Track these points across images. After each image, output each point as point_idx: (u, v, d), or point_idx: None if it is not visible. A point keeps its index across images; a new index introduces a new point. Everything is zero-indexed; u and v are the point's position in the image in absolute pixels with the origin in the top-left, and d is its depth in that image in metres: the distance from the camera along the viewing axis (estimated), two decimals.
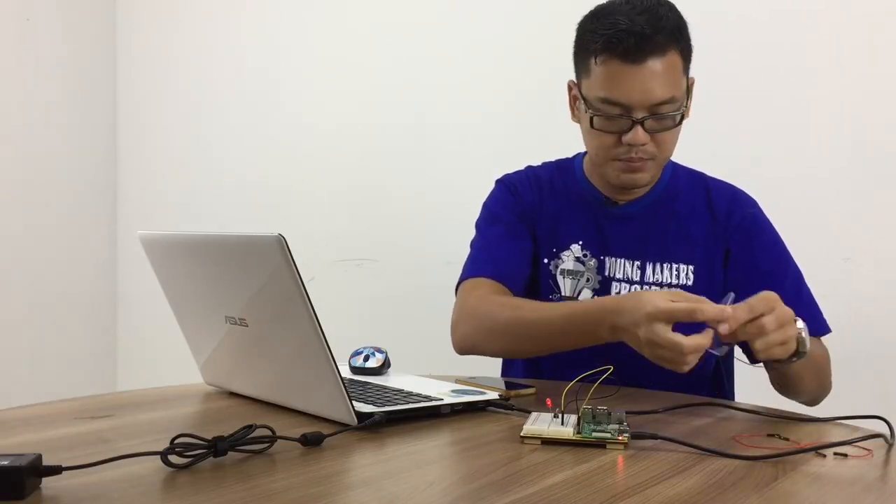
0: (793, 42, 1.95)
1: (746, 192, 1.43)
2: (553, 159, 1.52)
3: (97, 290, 3.13)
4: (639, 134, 1.25)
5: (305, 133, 2.72)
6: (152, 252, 1.16)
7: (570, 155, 1.51)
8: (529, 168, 1.51)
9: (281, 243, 0.90)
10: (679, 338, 1.02)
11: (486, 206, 1.50)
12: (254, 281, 0.99)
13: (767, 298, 1.05)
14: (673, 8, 1.28)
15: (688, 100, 1.32)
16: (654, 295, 1.07)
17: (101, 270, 3.14)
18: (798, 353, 1.09)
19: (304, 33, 2.73)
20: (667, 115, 1.26)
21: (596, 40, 1.24)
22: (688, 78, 1.31)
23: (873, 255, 1.87)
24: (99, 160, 3.12)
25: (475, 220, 1.50)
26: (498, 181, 1.51)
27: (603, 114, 1.27)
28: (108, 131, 3.15)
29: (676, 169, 1.44)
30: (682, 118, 1.29)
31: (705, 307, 1.03)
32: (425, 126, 2.49)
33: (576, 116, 1.37)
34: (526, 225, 1.44)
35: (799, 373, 1.19)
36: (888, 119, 1.86)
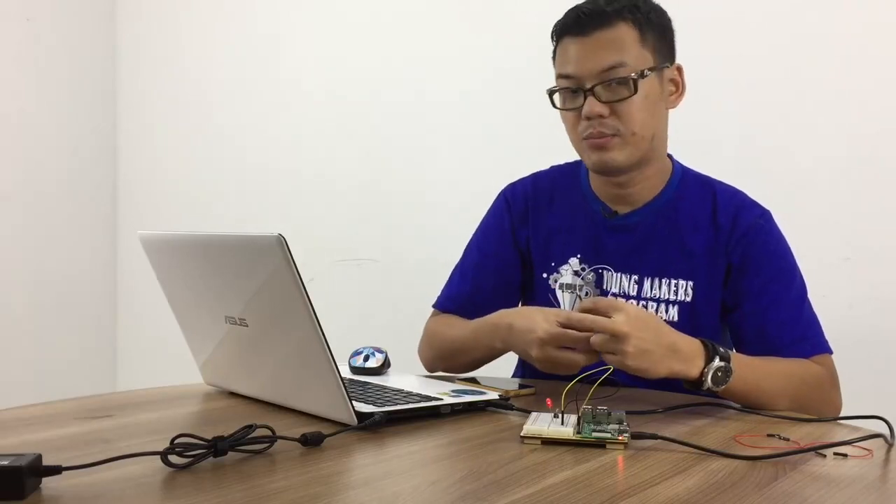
0: (792, 42, 1.95)
1: (756, 200, 1.37)
2: (562, 163, 1.49)
3: (97, 290, 3.13)
4: (593, 105, 1.26)
5: (306, 133, 2.73)
6: (152, 252, 1.16)
7: (572, 154, 1.48)
8: (535, 176, 1.49)
9: (281, 243, 0.90)
10: (576, 356, 1.12)
11: (482, 222, 1.52)
12: (254, 281, 0.99)
13: (609, 304, 1.10)
14: None
15: (676, 90, 1.33)
16: (539, 315, 1.17)
17: (101, 270, 3.14)
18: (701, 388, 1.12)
19: (305, 33, 2.73)
20: (616, 80, 1.25)
21: (556, 27, 1.31)
22: (662, 56, 1.30)
23: (873, 255, 1.87)
24: (99, 160, 3.13)
25: (476, 224, 1.52)
26: (501, 194, 1.51)
27: (559, 89, 1.30)
28: (108, 131, 3.15)
29: (686, 175, 1.40)
30: (637, 85, 1.26)
31: (595, 337, 1.09)
32: (426, 126, 2.49)
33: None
34: (513, 247, 1.45)
35: (730, 395, 1.16)
36: (888, 119, 1.85)
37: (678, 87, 1.34)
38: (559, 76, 1.31)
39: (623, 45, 1.26)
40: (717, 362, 1.10)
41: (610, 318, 1.07)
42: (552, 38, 1.33)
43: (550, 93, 1.32)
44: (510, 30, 2.34)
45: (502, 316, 1.27)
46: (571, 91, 1.29)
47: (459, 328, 1.41)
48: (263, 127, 2.82)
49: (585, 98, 1.27)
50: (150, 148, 3.11)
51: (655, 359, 1.08)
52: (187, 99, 3.00)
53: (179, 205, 3.01)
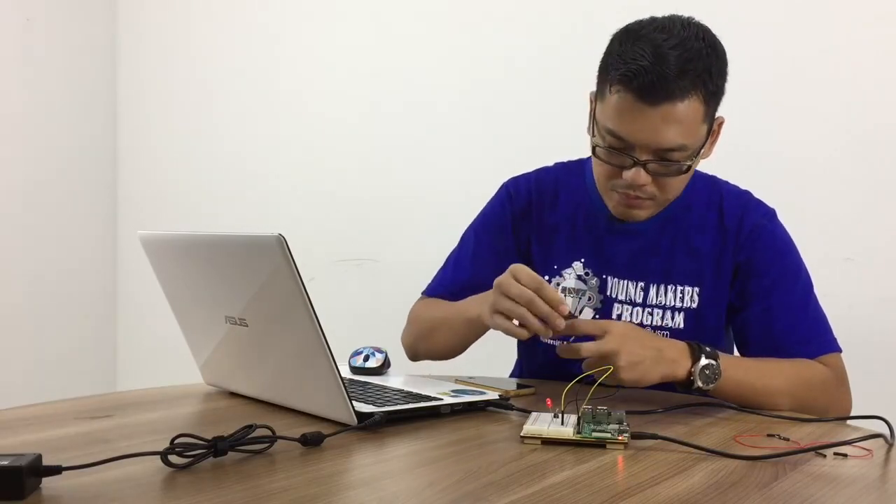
0: (794, 42, 1.95)
1: (762, 200, 1.36)
2: (565, 160, 1.46)
3: (97, 290, 3.13)
4: (640, 175, 1.19)
5: (306, 133, 2.73)
6: (152, 252, 1.16)
7: (572, 154, 1.47)
8: (539, 172, 1.46)
9: (281, 243, 0.90)
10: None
11: (482, 212, 1.49)
12: (254, 281, 0.99)
13: (595, 324, 1.12)
14: (712, 43, 1.18)
15: (710, 139, 1.24)
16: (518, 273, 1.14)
17: (101, 270, 3.14)
18: (686, 383, 1.13)
19: (304, 34, 2.73)
20: (673, 161, 1.19)
21: (617, 67, 1.16)
22: (713, 120, 1.22)
23: (873, 255, 1.87)
24: (99, 160, 3.13)
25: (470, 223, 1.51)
26: (503, 186, 1.47)
27: (607, 145, 1.21)
28: (108, 131, 3.15)
29: (693, 177, 1.33)
30: (691, 167, 1.21)
31: (549, 288, 1.11)
32: (426, 126, 2.49)
33: (590, 127, 1.29)
34: (512, 242, 1.42)
35: (723, 395, 1.16)
36: (889, 119, 1.86)
37: (713, 137, 1.26)
38: (607, 130, 1.19)
39: (688, 125, 1.16)
40: (703, 360, 1.12)
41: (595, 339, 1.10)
42: (606, 79, 1.19)
43: (594, 146, 1.24)
44: (512, 30, 2.34)
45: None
46: (618, 149, 1.20)
47: (442, 307, 1.40)
48: (263, 127, 2.82)
49: (634, 165, 1.19)
50: (150, 148, 3.11)
51: (646, 368, 1.10)
52: (187, 99, 3.00)
53: (179, 205, 3.01)
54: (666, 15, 1.21)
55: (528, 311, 1.10)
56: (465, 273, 1.45)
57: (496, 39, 2.37)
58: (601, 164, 1.25)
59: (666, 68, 1.12)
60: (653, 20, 1.19)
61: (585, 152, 1.42)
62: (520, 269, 1.13)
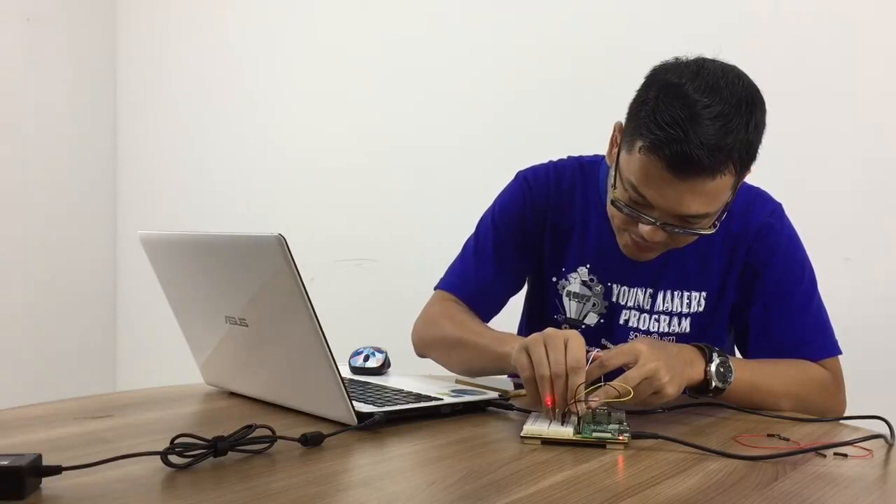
0: (794, 42, 1.95)
1: (769, 195, 1.33)
2: (580, 155, 1.42)
3: (97, 290, 3.13)
4: (657, 234, 1.15)
5: (306, 133, 2.73)
6: (152, 252, 1.16)
7: (575, 153, 1.44)
8: (557, 167, 1.40)
9: (281, 243, 0.90)
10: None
11: (497, 203, 1.43)
12: (254, 281, 0.99)
13: (622, 352, 1.05)
14: (753, 101, 1.10)
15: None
16: (574, 339, 1.04)
17: (101, 270, 3.14)
18: (708, 390, 1.10)
19: (304, 34, 2.73)
20: (693, 226, 1.15)
21: (648, 128, 1.08)
22: (741, 179, 1.16)
23: (873, 255, 1.87)
24: (99, 160, 3.13)
25: (482, 213, 1.46)
26: (520, 176, 1.42)
27: (628, 198, 1.15)
28: (108, 131, 3.15)
29: None
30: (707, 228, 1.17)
31: (581, 377, 1.00)
32: (425, 126, 2.49)
33: (611, 157, 1.23)
34: (527, 242, 1.38)
35: (730, 397, 1.14)
36: (888, 119, 1.86)
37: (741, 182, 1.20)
38: (631, 185, 1.13)
39: (715, 195, 1.11)
40: (716, 359, 1.11)
41: (627, 365, 1.04)
42: (635, 133, 1.11)
43: (613, 199, 1.18)
44: (513, 29, 2.34)
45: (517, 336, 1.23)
46: (639, 204, 1.15)
47: (470, 327, 1.32)
48: (263, 127, 2.82)
49: (652, 222, 1.14)
50: (150, 148, 3.11)
51: (677, 373, 1.06)
52: (187, 99, 3.00)
53: (179, 205, 3.01)
54: (710, 62, 1.13)
55: (551, 379, 1.00)
56: (488, 273, 1.39)
57: (496, 40, 2.37)
58: (616, 209, 1.20)
59: (701, 141, 1.05)
60: (697, 71, 1.10)
61: (585, 152, 1.42)
62: (576, 340, 1.02)
